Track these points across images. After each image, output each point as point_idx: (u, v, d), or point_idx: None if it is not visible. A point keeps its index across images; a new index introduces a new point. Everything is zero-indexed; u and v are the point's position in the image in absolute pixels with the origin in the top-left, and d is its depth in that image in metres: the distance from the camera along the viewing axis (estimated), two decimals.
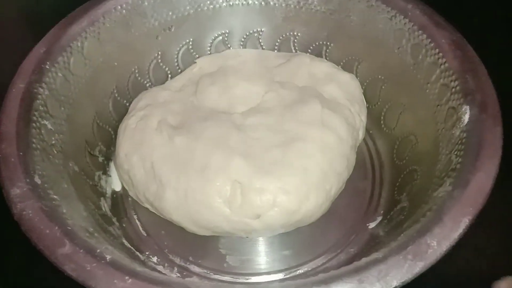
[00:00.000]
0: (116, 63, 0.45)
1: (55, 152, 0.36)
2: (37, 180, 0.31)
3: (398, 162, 0.44)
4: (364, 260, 0.27)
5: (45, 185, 0.32)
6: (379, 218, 0.42)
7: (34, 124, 0.35)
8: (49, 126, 0.37)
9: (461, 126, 0.34)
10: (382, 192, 0.44)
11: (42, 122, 0.36)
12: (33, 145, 0.34)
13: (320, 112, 0.39)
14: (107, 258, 0.27)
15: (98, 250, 0.28)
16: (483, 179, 0.30)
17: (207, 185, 0.36)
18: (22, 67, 0.38)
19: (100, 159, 0.44)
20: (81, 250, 0.27)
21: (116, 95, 0.46)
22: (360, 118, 0.42)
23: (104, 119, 0.45)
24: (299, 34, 0.50)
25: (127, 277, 0.26)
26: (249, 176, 0.36)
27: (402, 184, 0.42)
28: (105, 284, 0.26)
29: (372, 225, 0.41)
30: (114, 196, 0.43)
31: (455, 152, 0.33)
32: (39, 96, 0.37)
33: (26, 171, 0.31)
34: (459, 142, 0.34)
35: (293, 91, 0.41)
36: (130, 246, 0.39)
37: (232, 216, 0.36)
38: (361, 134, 0.42)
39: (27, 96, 0.36)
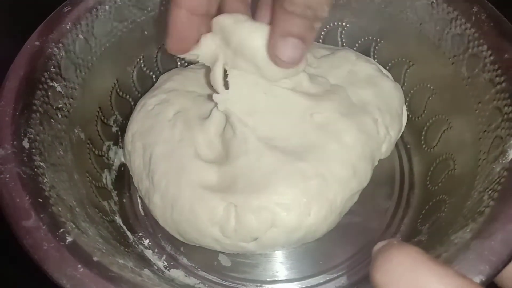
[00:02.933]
0: (146, 32, 0.43)
1: (60, 116, 0.35)
2: (25, 144, 0.30)
3: (430, 187, 0.38)
4: None
5: (33, 150, 0.30)
6: None
7: (40, 85, 0.34)
8: (59, 89, 0.36)
9: (503, 161, 0.29)
10: (405, 216, 0.39)
11: (51, 84, 0.35)
12: (34, 107, 0.33)
13: (326, 116, 0.34)
14: (67, 240, 0.26)
15: (62, 230, 0.26)
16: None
17: (196, 203, 0.33)
18: (43, 24, 0.37)
19: (114, 129, 0.42)
20: (44, 226, 0.26)
21: (143, 65, 0.44)
22: (387, 130, 0.36)
23: (126, 89, 0.43)
24: (348, 25, 0.45)
25: (79, 266, 0.24)
26: (246, 195, 0.32)
27: (428, 213, 0.36)
28: (56, 268, 0.24)
29: None
30: (122, 169, 0.42)
31: (489, 192, 0.28)
32: (53, 57, 0.36)
33: (16, 133, 0.30)
34: (497, 180, 0.28)
35: (315, 89, 0.36)
36: (121, 225, 0.37)
37: (224, 240, 0.33)
38: (384, 148, 0.36)
39: (39, 55, 0.35)
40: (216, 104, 0.35)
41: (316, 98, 0.35)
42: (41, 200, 0.27)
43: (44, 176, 0.30)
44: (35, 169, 0.30)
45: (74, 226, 0.28)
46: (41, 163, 0.30)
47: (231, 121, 0.34)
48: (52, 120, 0.34)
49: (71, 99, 0.37)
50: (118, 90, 0.42)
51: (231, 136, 0.34)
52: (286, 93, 0.34)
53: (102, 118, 0.41)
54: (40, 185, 0.29)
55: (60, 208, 0.28)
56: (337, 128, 0.34)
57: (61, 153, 0.34)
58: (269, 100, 0.34)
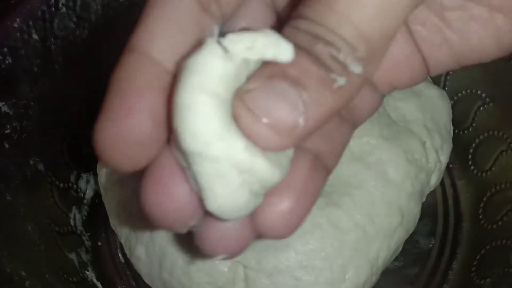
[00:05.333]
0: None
1: (7, 146, 0.27)
2: None
3: (485, 224, 0.31)
4: None
5: None
6: None
7: None
8: (5, 109, 0.27)
9: None
10: (453, 260, 0.31)
11: None
12: None
13: (364, 142, 0.26)
14: None
15: None
16: None
17: (191, 260, 0.25)
18: None
19: (85, 151, 0.34)
20: None
21: None
22: (437, 156, 0.28)
23: (102, 98, 0.35)
24: None
25: None
26: (258, 252, 0.24)
27: (487, 261, 0.29)
28: None
29: None
30: (96, 201, 0.34)
31: None
32: None
33: None
34: None
35: None
36: (95, 281, 0.29)
37: None
38: (434, 180, 0.29)
39: None
40: None
41: None
42: None
43: None
44: None
45: None
46: None
47: None
48: None
49: (24, 121, 0.28)
50: (91, 100, 0.34)
51: None
52: None
53: (70, 139, 0.32)
54: None
55: None
56: (378, 159, 0.26)
57: (9, 199, 0.25)
58: None
